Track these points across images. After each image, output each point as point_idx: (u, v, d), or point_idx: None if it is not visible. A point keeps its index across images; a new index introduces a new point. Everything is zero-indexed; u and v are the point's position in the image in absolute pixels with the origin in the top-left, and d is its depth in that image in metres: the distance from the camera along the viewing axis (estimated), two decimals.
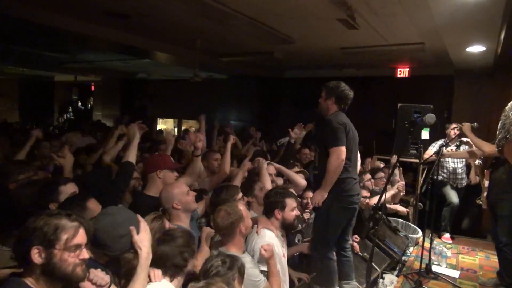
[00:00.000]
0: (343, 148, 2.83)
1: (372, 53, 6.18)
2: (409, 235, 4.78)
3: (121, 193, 2.69)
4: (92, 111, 13.73)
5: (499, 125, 0.65)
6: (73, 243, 1.40)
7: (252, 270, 2.23)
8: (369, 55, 6.44)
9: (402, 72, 7.89)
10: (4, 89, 14.38)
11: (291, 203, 2.76)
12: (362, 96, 8.56)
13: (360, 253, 3.83)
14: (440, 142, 5.20)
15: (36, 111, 13.42)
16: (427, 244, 4.02)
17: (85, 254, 1.44)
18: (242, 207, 2.38)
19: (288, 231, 2.87)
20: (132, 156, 2.68)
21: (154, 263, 1.72)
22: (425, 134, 5.37)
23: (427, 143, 5.23)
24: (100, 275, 1.54)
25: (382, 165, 5.95)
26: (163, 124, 12.06)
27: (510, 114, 0.61)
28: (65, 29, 5.19)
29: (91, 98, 14.08)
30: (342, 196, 2.96)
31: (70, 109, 14.58)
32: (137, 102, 11.89)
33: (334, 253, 3.13)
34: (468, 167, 5.51)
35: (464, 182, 5.45)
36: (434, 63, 6.97)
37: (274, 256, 2.40)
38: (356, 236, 3.94)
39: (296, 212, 2.81)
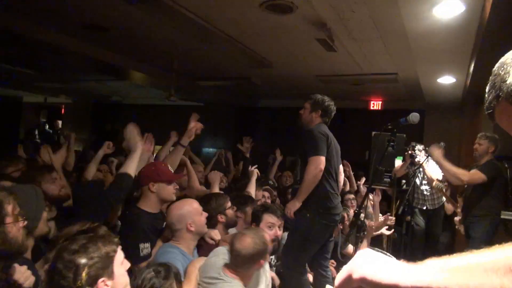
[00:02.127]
0: (323, 158, 2.76)
1: (347, 81, 6.32)
2: None
3: (108, 206, 2.29)
4: (59, 135, 13.23)
5: (487, 87, 0.62)
6: (17, 211, 1.28)
7: None
8: (344, 84, 6.59)
9: (375, 105, 8.13)
10: None
11: (268, 218, 2.59)
12: (337, 127, 8.68)
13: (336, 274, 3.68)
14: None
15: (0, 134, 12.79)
16: None
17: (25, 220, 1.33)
18: (269, 239, 2.12)
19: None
20: (131, 167, 2.30)
21: None
22: (398, 163, 5.43)
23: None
24: (25, 274, 1.30)
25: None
26: None
27: (499, 71, 0.58)
28: (39, 39, 5.03)
29: (60, 121, 13.61)
30: (325, 213, 2.86)
31: (37, 132, 13.99)
32: (109, 126, 11.57)
33: (307, 270, 2.99)
34: (433, 190, 5.41)
35: (431, 206, 5.37)
36: (406, 96, 7.22)
37: None
38: (332, 261, 3.81)
39: (274, 232, 2.58)
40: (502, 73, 0.78)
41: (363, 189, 5.46)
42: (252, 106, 9.85)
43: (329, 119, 3.10)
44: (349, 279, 0.70)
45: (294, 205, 2.82)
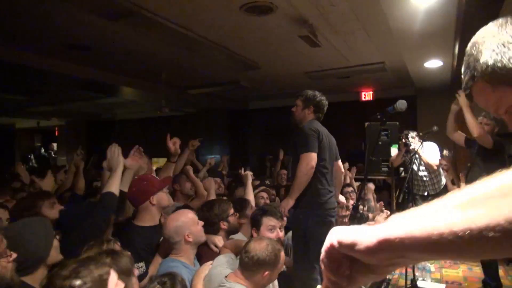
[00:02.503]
0: (314, 155, 2.74)
1: (335, 75, 6.32)
2: None
3: (99, 230, 2.18)
4: (56, 157, 13.19)
5: (462, 68, 0.62)
6: (2, 247, 1.26)
7: None
8: (333, 79, 6.59)
9: (367, 95, 8.13)
10: None
11: (267, 221, 2.56)
12: (330, 121, 8.70)
13: None
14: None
15: None
16: None
17: (14, 254, 1.30)
18: (283, 253, 2.04)
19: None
20: (114, 185, 2.22)
21: None
22: (394, 151, 5.43)
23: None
24: None
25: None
26: None
27: (472, 51, 0.58)
28: (25, 64, 5.03)
29: (55, 144, 13.57)
30: (317, 210, 2.82)
31: (32, 156, 13.94)
32: (104, 143, 11.56)
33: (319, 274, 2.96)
34: (432, 175, 5.38)
35: (433, 190, 5.34)
36: (396, 84, 7.22)
37: None
38: None
39: (276, 234, 2.55)
40: (475, 52, 0.77)
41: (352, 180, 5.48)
42: (244, 108, 9.85)
43: (322, 114, 3.07)
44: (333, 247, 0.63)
45: (287, 203, 2.79)
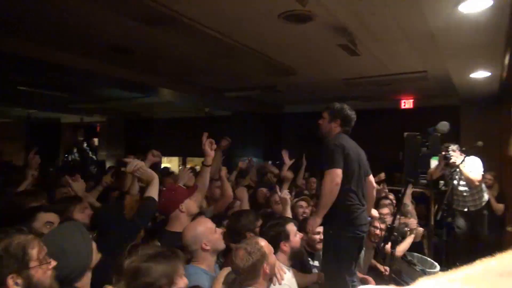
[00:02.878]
0: (339, 171, 2.66)
1: (375, 83, 6.16)
2: (427, 270, 4.48)
3: (139, 231, 2.35)
4: (97, 152, 13.75)
5: None
6: (42, 254, 1.27)
7: None
8: (372, 86, 6.43)
9: (407, 103, 7.87)
10: (12, 132, 14.55)
11: (291, 228, 2.54)
12: (367, 129, 8.51)
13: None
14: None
15: (42, 153, 13.44)
16: None
17: (53, 261, 1.32)
18: (263, 243, 2.09)
19: (298, 258, 2.64)
20: (154, 191, 2.36)
21: None
22: (434, 163, 5.22)
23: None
24: None
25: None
26: (167, 163, 11.97)
27: None
28: (70, 66, 5.27)
29: (96, 139, 14.15)
30: (348, 226, 2.75)
31: (75, 150, 14.62)
32: (142, 141, 11.90)
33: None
34: (474, 190, 5.08)
35: (473, 207, 5.05)
36: (438, 92, 6.93)
37: None
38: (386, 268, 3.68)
39: (299, 236, 2.58)
40: None
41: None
42: (278, 112, 9.82)
43: (350, 127, 2.97)
44: None
45: (314, 222, 2.72)
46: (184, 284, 1.65)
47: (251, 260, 1.95)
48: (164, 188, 2.80)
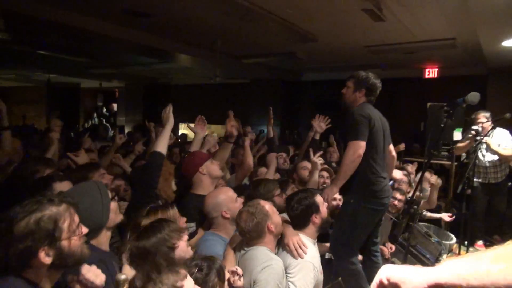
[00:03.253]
0: (362, 143, 2.58)
1: (399, 50, 5.92)
2: (443, 242, 4.46)
3: (152, 189, 2.37)
4: (116, 116, 13.93)
5: None
6: (74, 226, 1.28)
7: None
8: (395, 54, 6.19)
9: (431, 72, 7.58)
10: (33, 96, 14.83)
11: (320, 199, 2.47)
12: (388, 98, 8.30)
13: (389, 258, 3.56)
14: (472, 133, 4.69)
15: (63, 117, 13.71)
16: (463, 252, 3.72)
17: (84, 228, 1.34)
18: (265, 204, 2.10)
19: (325, 229, 2.61)
20: (162, 145, 2.39)
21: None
22: (457, 135, 5.07)
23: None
24: (93, 273, 1.33)
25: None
26: (185, 129, 12.04)
27: None
28: (89, 29, 5.23)
29: (115, 104, 14.29)
30: (371, 198, 2.69)
31: (95, 115, 14.85)
32: (160, 107, 11.96)
33: (359, 257, 2.88)
34: (497, 162, 4.92)
35: (494, 179, 4.90)
36: (465, 61, 6.64)
37: None
38: (391, 246, 3.68)
39: (326, 204, 2.52)
40: None
41: (411, 170, 5.09)
42: (297, 80, 9.63)
43: (375, 97, 2.85)
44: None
45: (332, 191, 2.66)
46: (184, 240, 1.71)
47: (255, 220, 1.99)
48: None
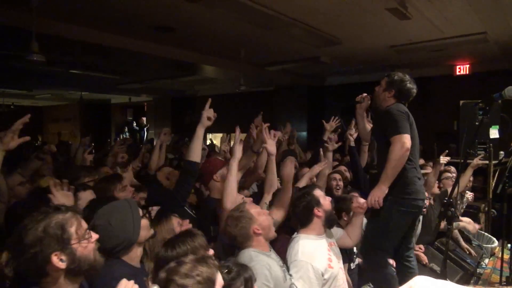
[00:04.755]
0: (408, 136, 2.46)
1: (427, 48, 5.75)
2: (483, 245, 4.25)
3: (187, 194, 2.59)
4: (148, 130, 14.26)
5: None
6: (82, 231, 1.33)
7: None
8: (423, 52, 6.02)
9: (462, 69, 7.31)
10: (67, 114, 15.47)
11: (318, 192, 2.43)
12: (419, 98, 8.02)
13: (427, 264, 3.43)
14: None
15: (96, 133, 14.21)
16: (506, 256, 3.51)
17: (94, 234, 1.38)
18: (249, 206, 2.12)
19: (333, 221, 2.49)
20: (195, 154, 2.48)
21: None
22: (493, 133, 4.85)
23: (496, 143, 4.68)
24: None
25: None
26: (212, 139, 12.18)
27: None
28: (118, 47, 5.43)
29: (144, 118, 14.64)
30: (405, 199, 2.57)
31: (126, 129, 15.25)
32: (187, 118, 12.15)
33: (390, 261, 2.77)
34: None
35: None
36: (498, 56, 6.37)
37: None
38: (420, 246, 3.55)
39: (328, 199, 2.44)
40: None
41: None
42: (321, 85, 9.56)
43: (406, 102, 2.72)
44: None
45: (381, 191, 2.50)
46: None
47: (239, 225, 2.04)
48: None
